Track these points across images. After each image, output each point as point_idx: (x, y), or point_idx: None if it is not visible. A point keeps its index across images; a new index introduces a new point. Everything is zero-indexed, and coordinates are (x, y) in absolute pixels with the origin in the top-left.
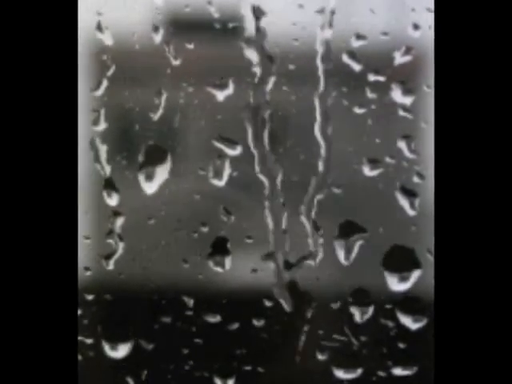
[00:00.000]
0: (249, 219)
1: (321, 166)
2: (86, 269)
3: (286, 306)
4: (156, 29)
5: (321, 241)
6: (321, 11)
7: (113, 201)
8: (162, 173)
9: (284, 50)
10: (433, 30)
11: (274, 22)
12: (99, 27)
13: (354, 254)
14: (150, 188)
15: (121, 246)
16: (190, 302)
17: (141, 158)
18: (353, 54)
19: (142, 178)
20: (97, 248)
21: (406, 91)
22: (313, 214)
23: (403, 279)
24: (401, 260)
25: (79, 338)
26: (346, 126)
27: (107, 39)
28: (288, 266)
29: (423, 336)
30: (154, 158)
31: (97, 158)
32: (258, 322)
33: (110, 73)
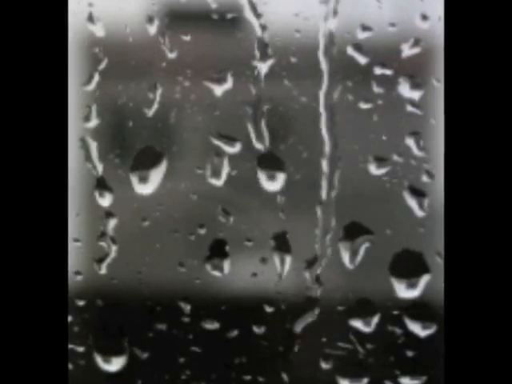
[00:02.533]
0: (248, 220)
1: (324, 165)
2: (77, 273)
3: (288, 312)
4: (150, 20)
5: (325, 243)
6: (324, 1)
7: (105, 201)
8: (157, 172)
9: (285, 42)
10: (442, 21)
11: (275, 12)
12: (91, 18)
13: (359, 258)
14: (144, 188)
15: (113, 249)
16: (187, 308)
17: (134, 157)
18: (358, 47)
19: (135, 177)
20: (88, 251)
21: (415, 85)
22: (316, 214)
23: (411, 284)
24: (409, 264)
25: (70, 346)
26: (351, 123)
27: (99, 31)
28: (290, 269)
29: (432, 344)
30: (149, 156)
31: (88, 157)
32: (258, 329)
33: (101, 66)
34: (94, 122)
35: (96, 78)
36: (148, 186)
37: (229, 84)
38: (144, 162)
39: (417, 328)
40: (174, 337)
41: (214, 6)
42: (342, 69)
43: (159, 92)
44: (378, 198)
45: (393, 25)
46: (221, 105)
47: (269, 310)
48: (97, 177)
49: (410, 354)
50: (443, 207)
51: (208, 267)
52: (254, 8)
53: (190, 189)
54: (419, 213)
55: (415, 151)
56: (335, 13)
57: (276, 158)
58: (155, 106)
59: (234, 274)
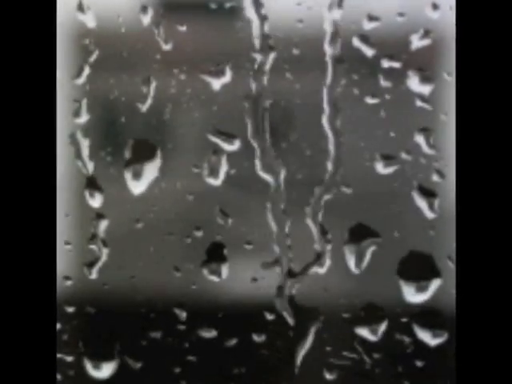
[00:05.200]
0: (248, 222)
1: (329, 163)
2: (66, 278)
3: (290, 319)
4: (144, 9)
5: (329, 246)
6: None
7: (96, 202)
8: (151, 170)
9: (287, 32)
10: (454, 11)
11: (276, 1)
12: (80, 7)
13: (365, 262)
14: (137, 187)
15: (105, 252)
16: (183, 315)
17: (127, 154)
18: (365, 38)
19: (128, 176)
20: (78, 255)
21: (424, 79)
22: (320, 216)
23: (421, 289)
24: (418, 268)
25: (58, 355)
26: (357, 118)
27: (90, 21)
28: (292, 274)
29: (443, 353)
30: (142, 153)
31: (78, 154)
32: (258, 338)
33: (92, 58)
34: (84, 118)
35: (86, 70)
36: (141, 185)
37: (227, 77)
38: (137, 161)
39: (427, 336)
40: (168, 345)
41: None
42: (348, 61)
43: (153, 86)
44: (386, 198)
45: (401, 14)
46: (219, 99)
47: (269, 317)
48: (87, 176)
49: (419, 363)
50: (454, 208)
51: (205, 272)
52: None
53: (186, 189)
54: (429, 214)
55: (425, 149)
56: (340, 2)
57: (277, 156)
58: (149, 101)
59: (233, 279)
